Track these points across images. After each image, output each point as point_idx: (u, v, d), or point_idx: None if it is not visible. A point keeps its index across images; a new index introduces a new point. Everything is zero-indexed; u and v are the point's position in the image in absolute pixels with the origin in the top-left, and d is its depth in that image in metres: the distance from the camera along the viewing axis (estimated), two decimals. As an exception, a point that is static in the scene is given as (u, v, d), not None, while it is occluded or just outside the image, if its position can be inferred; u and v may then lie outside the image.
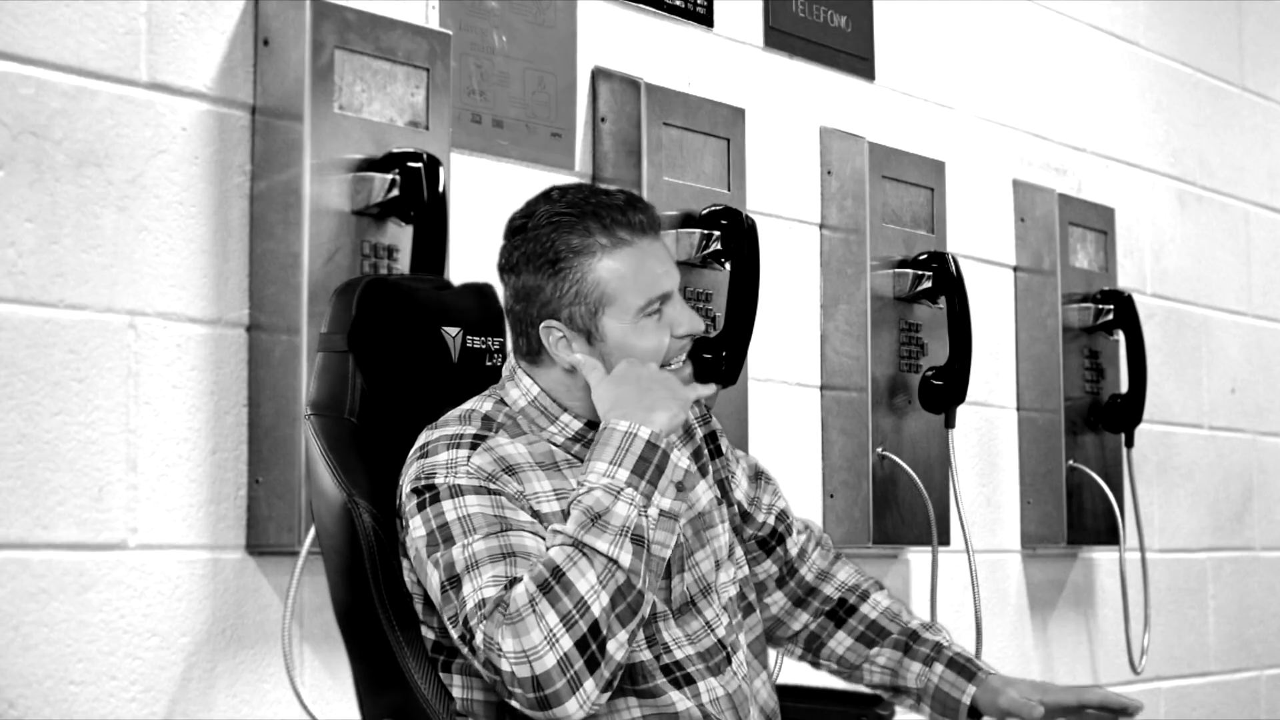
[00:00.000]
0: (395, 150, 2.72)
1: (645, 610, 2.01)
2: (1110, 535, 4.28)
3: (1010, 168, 4.29)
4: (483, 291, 2.41)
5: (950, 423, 3.73)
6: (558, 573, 1.96)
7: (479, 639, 1.96)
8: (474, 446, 2.10)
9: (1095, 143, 4.59)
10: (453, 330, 2.33)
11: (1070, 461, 4.20)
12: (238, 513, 2.65)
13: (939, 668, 2.35)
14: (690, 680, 2.14)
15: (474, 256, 2.93)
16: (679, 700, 2.13)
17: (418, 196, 2.68)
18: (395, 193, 2.69)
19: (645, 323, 2.15)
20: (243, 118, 2.68)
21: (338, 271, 2.65)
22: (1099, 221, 4.38)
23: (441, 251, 2.68)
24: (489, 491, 2.06)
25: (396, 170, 2.70)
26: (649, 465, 2.03)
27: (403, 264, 2.72)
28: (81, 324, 2.48)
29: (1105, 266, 4.38)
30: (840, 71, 3.82)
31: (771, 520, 2.42)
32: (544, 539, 2.04)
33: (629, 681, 2.11)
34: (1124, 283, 4.53)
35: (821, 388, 3.71)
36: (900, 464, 3.67)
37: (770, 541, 2.42)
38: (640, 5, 3.37)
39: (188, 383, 2.60)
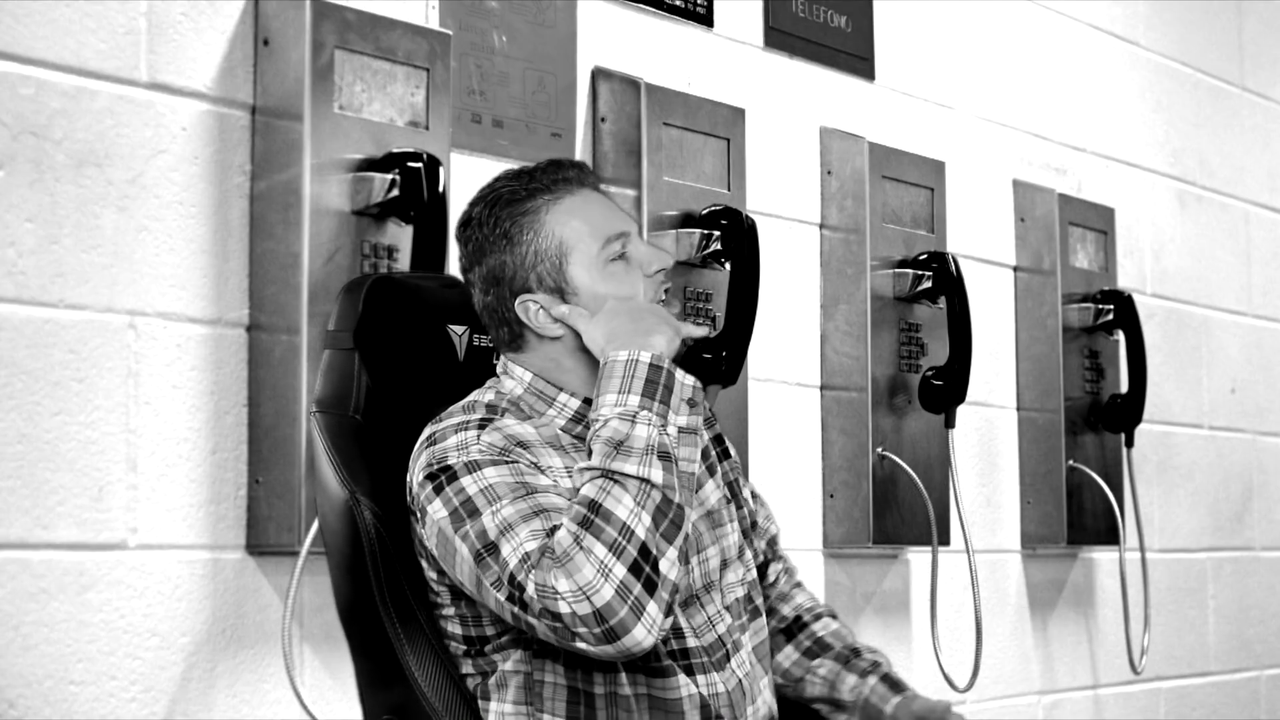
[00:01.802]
0: (395, 150, 2.72)
1: (688, 525, 2.00)
2: (1110, 535, 4.28)
3: (1010, 168, 4.29)
4: None
5: (950, 423, 3.73)
6: (594, 505, 1.95)
7: (530, 589, 1.94)
8: (482, 426, 2.09)
9: (1095, 143, 4.59)
10: (459, 328, 2.33)
11: (1070, 461, 4.20)
12: (238, 513, 2.65)
13: (873, 680, 2.35)
14: (692, 671, 2.14)
15: (474, 256, 2.93)
16: (684, 685, 2.12)
17: (418, 196, 2.68)
18: (395, 193, 2.70)
19: (613, 267, 2.16)
20: (243, 118, 2.69)
21: (338, 271, 2.65)
22: (1099, 221, 4.38)
23: (441, 251, 2.68)
24: (506, 462, 2.06)
25: (396, 170, 2.70)
26: (657, 386, 2.04)
27: (403, 264, 2.72)
28: (81, 324, 2.48)
29: (1105, 266, 4.38)
30: (840, 71, 3.82)
31: (764, 545, 2.43)
32: (569, 500, 2.03)
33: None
34: (1124, 283, 4.53)
35: (821, 388, 3.71)
36: (900, 464, 3.67)
37: (760, 568, 2.43)
38: (640, 5, 3.37)
39: (188, 383, 2.60)
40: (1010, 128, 4.31)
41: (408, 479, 2.12)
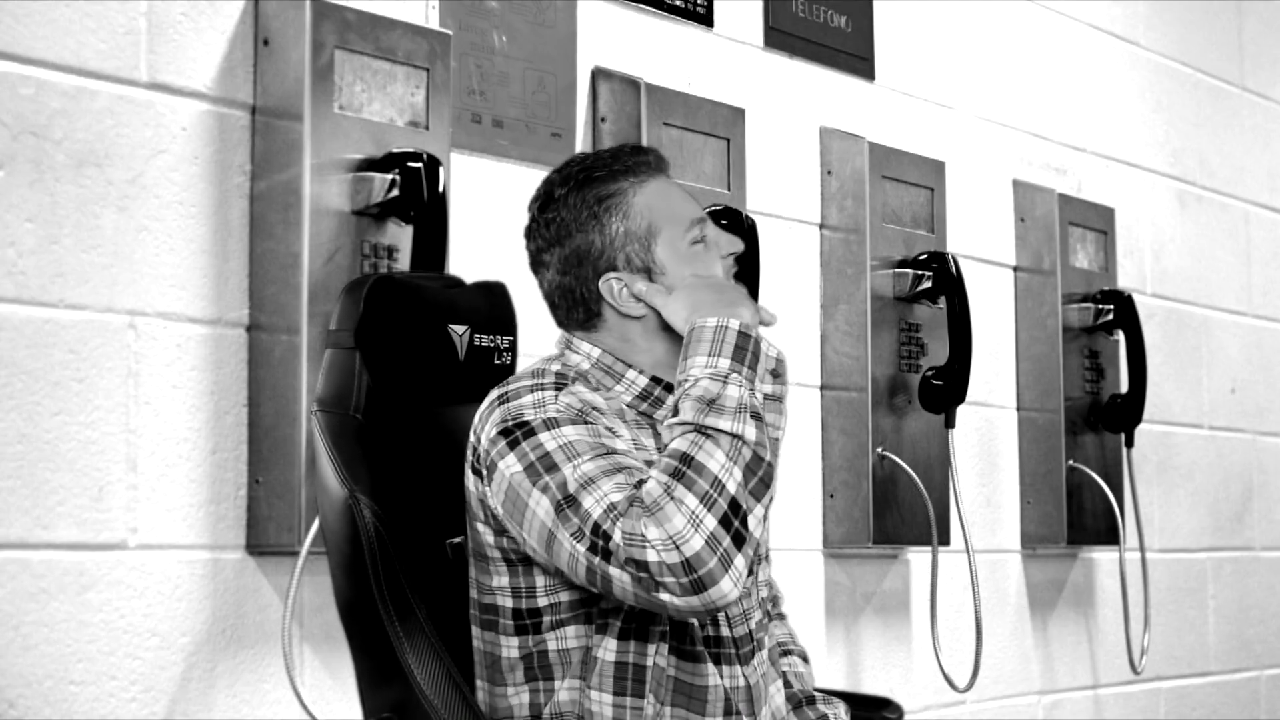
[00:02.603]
0: (395, 150, 2.72)
1: (775, 485, 2.01)
2: (1110, 535, 4.28)
3: (1010, 168, 4.29)
4: (493, 290, 2.41)
5: (950, 423, 3.73)
6: (686, 458, 1.96)
7: (617, 537, 1.94)
8: (559, 389, 2.10)
9: (1095, 143, 4.59)
10: (460, 328, 2.33)
11: (1070, 461, 4.20)
12: (238, 513, 2.65)
13: None
14: (720, 660, 2.14)
15: (474, 256, 2.93)
16: (712, 675, 2.13)
17: (418, 196, 2.68)
18: (395, 193, 2.70)
19: (695, 249, 2.20)
20: (243, 118, 2.69)
21: (338, 271, 2.65)
22: (1099, 221, 4.38)
23: (442, 251, 2.68)
24: (585, 422, 2.06)
25: (396, 170, 2.70)
26: (745, 352, 2.06)
27: (403, 264, 2.72)
28: (81, 324, 2.48)
29: (1105, 266, 4.38)
30: (840, 71, 3.82)
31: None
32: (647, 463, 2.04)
33: (675, 636, 2.11)
34: (1124, 283, 4.53)
35: (821, 388, 3.71)
36: (900, 464, 3.67)
37: None
38: (640, 5, 3.37)
39: (188, 383, 2.60)
40: (1010, 128, 4.31)
41: (473, 438, 2.12)
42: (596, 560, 1.96)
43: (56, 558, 2.43)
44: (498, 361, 2.36)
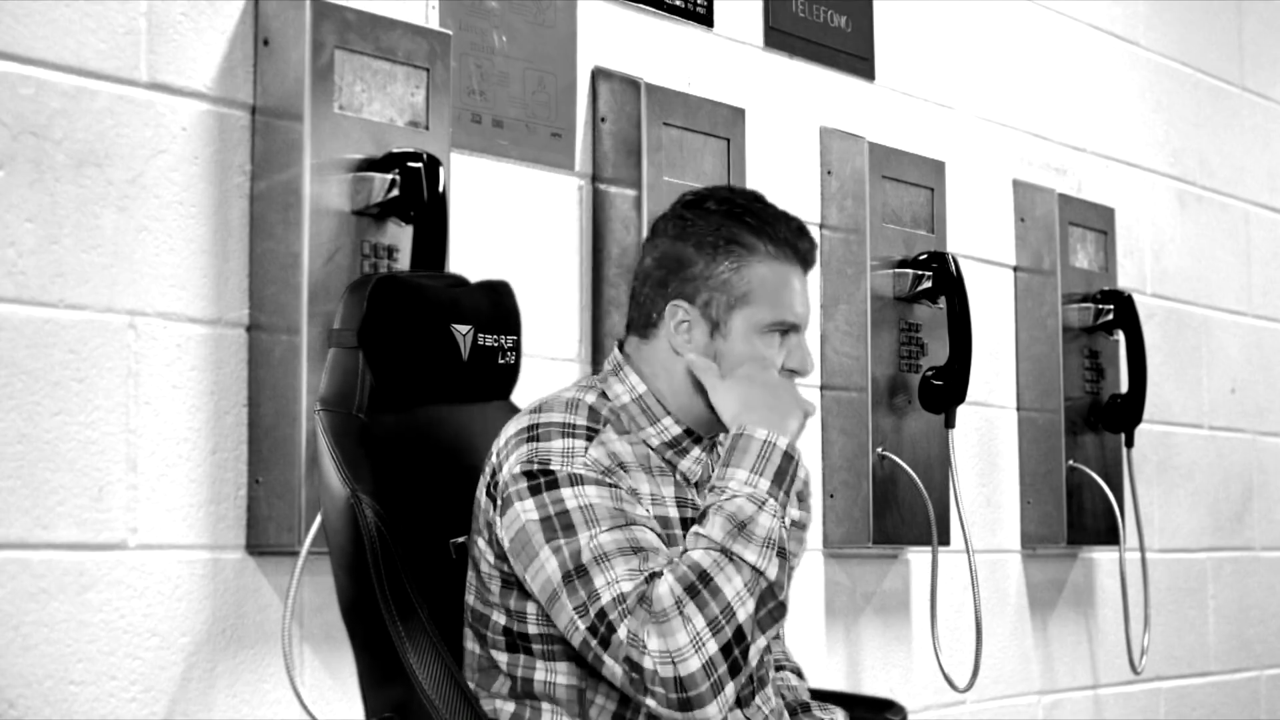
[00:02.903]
0: (395, 150, 2.72)
1: (783, 622, 2.03)
2: (1110, 535, 4.28)
3: (1010, 168, 4.29)
4: (497, 289, 2.41)
5: (950, 423, 3.73)
6: (705, 577, 1.96)
7: (622, 633, 1.95)
8: (589, 438, 2.08)
9: (1095, 143, 4.59)
10: (463, 328, 2.33)
11: (1070, 461, 4.20)
12: (238, 513, 2.65)
13: None
14: None
15: (474, 256, 2.93)
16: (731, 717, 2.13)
17: (418, 196, 2.68)
18: (395, 193, 2.69)
19: (769, 338, 2.16)
20: (243, 118, 2.68)
21: (338, 271, 2.65)
22: (1099, 221, 4.38)
23: (442, 251, 2.68)
24: (609, 484, 2.05)
25: (396, 170, 2.70)
26: (785, 476, 2.05)
27: (403, 264, 2.72)
28: (81, 324, 2.48)
29: (1105, 266, 4.38)
30: (840, 71, 3.82)
31: None
32: (662, 536, 2.04)
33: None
34: (1124, 283, 4.53)
35: (821, 388, 3.71)
36: (900, 464, 3.67)
37: None
38: (640, 5, 3.37)
39: (188, 383, 2.60)
40: (1010, 128, 4.31)
41: (494, 459, 2.11)
42: (594, 642, 1.98)
43: (56, 558, 2.43)
44: (501, 361, 2.35)
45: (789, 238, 2.18)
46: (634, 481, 2.09)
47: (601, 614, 1.96)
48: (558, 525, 2.01)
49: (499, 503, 2.08)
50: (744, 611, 1.95)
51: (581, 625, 1.98)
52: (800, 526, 2.08)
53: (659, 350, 2.18)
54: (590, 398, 2.15)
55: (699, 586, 1.95)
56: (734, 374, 2.13)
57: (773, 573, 1.99)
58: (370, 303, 2.24)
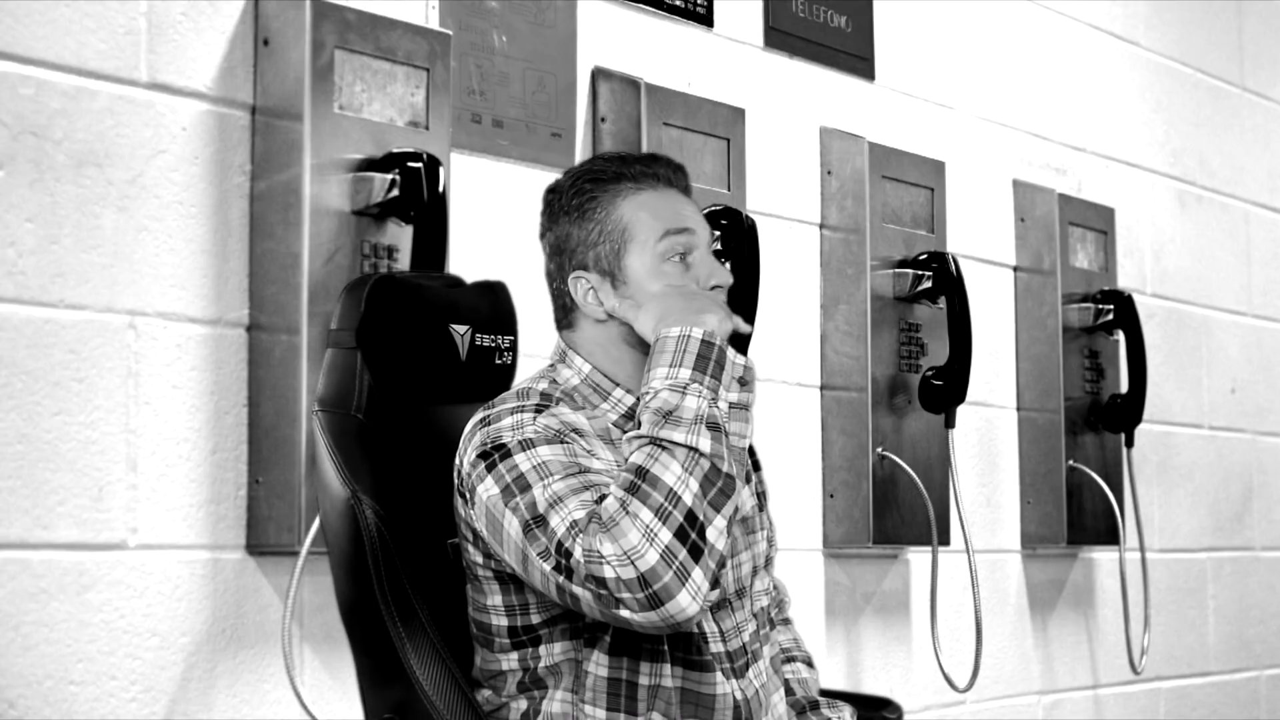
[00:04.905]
0: (395, 150, 2.72)
1: (738, 496, 1.99)
2: (1110, 535, 4.28)
3: (1010, 168, 4.29)
4: (495, 289, 2.41)
5: (950, 423, 3.73)
6: (641, 471, 1.94)
7: (577, 554, 1.92)
8: (539, 411, 2.09)
9: (1095, 143, 4.59)
10: (461, 328, 2.33)
11: (1070, 461, 4.20)
12: (238, 513, 2.65)
13: None
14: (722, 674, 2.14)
15: (474, 256, 2.93)
16: (720, 683, 2.12)
17: (418, 196, 2.68)
18: (395, 193, 2.69)
19: (668, 266, 2.16)
20: (243, 118, 2.68)
21: (338, 271, 2.65)
22: (1099, 221, 4.38)
23: (442, 251, 2.68)
24: (561, 442, 2.05)
25: (396, 170, 2.70)
26: (709, 361, 2.03)
27: (403, 264, 2.72)
28: (81, 324, 2.48)
29: (1105, 266, 4.38)
30: (840, 71, 3.82)
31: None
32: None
33: (679, 649, 2.10)
34: (1124, 283, 4.53)
35: (821, 388, 3.71)
36: (900, 464, 3.67)
37: None
38: (640, 5, 3.37)
39: (188, 383, 2.60)
40: (1010, 128, 4.31)
41: (457, 461, 2.11)
42: (561, 579, 1.95)
43: (56, 558, 2.43)
44: (499, 361, 2.36)
45: (645, 166, 2.19)
46: (592, 447, 2.08)
47: (559, 546, 1.94)
48: (515, 489, 2.01)
49: (467, 496, 2.08)
50: (689, 493, 1.93)
51: (549, 568, 1.96)
52: (743, 407, 2.05)
53: (587, 330, 2.20)
54: (542, 385, 2.16)
55: (638, 482, 1.93)
56: (652, 297, 2.13)
57: (705, 445, 1.96)
58: (369, 303, 2.24)
